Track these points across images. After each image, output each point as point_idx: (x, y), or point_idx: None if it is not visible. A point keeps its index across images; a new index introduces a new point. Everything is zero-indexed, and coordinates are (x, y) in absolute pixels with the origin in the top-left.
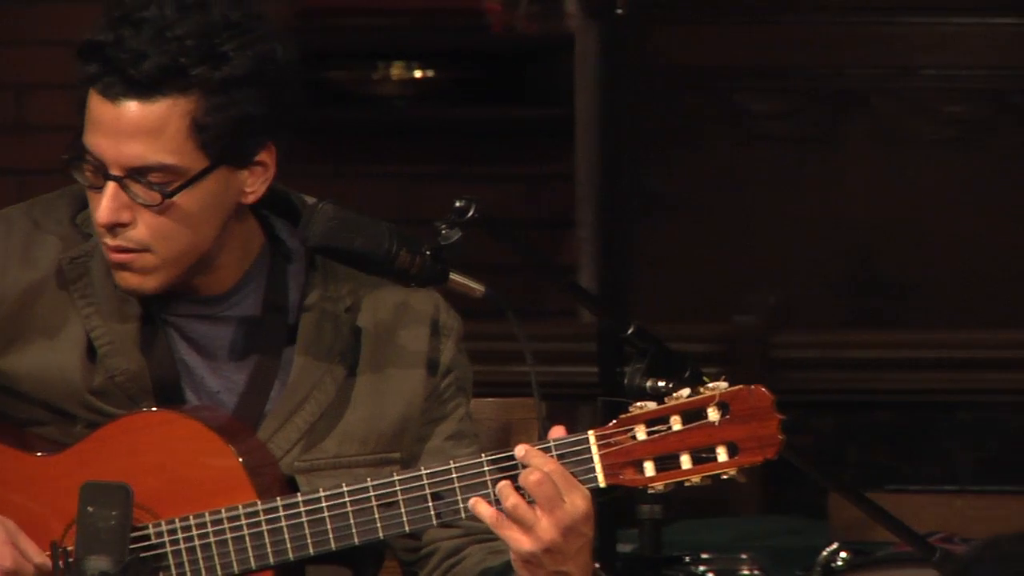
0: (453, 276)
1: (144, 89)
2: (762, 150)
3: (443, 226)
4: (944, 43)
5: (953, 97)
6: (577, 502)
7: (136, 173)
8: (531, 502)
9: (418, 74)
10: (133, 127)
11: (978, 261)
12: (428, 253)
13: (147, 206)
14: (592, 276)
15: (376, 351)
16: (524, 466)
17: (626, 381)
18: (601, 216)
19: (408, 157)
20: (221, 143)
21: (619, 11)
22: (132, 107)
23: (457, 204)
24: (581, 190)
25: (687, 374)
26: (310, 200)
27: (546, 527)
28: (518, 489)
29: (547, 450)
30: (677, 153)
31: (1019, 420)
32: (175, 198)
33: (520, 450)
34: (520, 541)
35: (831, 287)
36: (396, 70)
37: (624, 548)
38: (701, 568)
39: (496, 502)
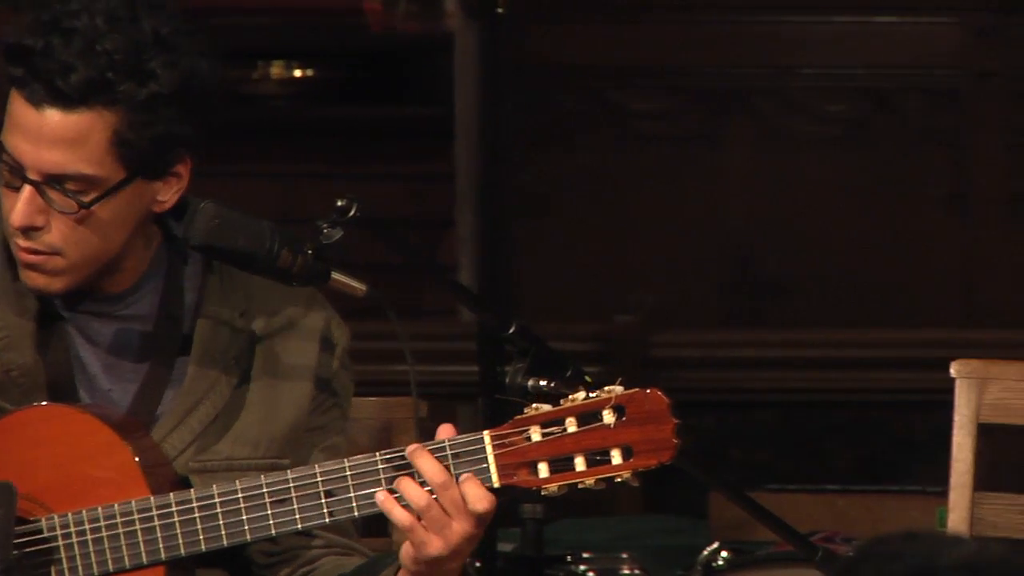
0: (335, 275)
1: (69, 100)
2: (642, 149)
3: (325, 225)
4: (824, 42)
5: (833, 96)
6: (462, 527)
7: (54, 180)
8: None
9: (298, 73)
10: (55, 136)
11: (858, 260)
12: (310, 252)
13: (63, 213)
14: (472, 275)
15: (269, 358)
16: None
17: (507, 380)
18: (481, 215)
19: (288, 156)
20: (141, 157)
21: (499, 10)
22: (56, 116)
23: (339, 203)
24: (461, 189)
25: (568, 373)
26: (196, 199)
27: (457, 531)
28: (424, 485)
29: (441, 449)
30: (557, 152)
31: (898, 419)
32: (91, 208)
33: (411, 448)
34: (433, 545)
35: (711, 286)
36: (276, 69)
37: (505, 547)
38: (582, 568)
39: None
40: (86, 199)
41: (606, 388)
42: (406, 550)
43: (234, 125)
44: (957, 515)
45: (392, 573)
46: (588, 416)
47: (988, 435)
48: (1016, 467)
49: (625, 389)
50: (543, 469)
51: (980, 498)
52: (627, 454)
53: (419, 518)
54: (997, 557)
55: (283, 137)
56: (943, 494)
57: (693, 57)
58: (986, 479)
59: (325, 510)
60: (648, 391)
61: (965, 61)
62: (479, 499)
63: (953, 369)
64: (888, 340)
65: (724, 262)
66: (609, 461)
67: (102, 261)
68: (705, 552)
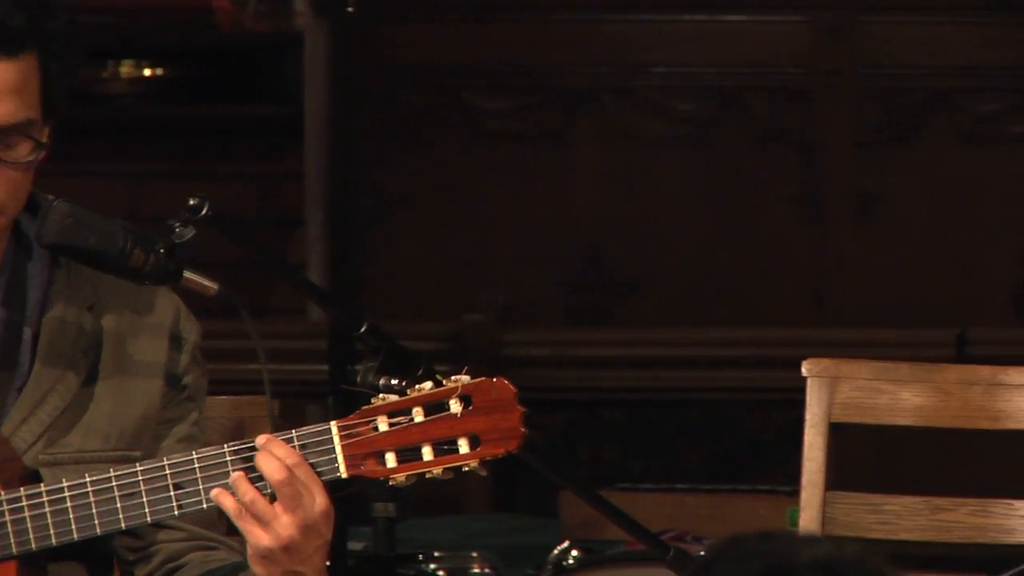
0: (187, 274)
1: (12, 47)
2: (491, 148)
3: (177, 224)
4: (673, 41)
5: (682, 95)
6: (318, 500)
7: (9, 131)
8: (269, 495)
9: (147, 72)
10: (6, 86)
11: (707, 259)
12: (162, 251)
13: (14, 165)
14: (322, 274)
15: (118, 350)
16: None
17: (359, 379)
18: (331, 214)
19: (138, 155)
20: (55, 105)
21: (349, 9)
22: (3, 66)
23: (190, 202)
24: (311, 188)
25: (420, 372)
26: (50, 197)
27: (286, 524)
28: (259, 482)
29: (289, 440)
30: (407, 151)
31: (749, 418)
32: (32, 156)
33: (261, 438)
34: (259, 536)
35: (560, 285)
36: (126, 68)
37: (356, 546)
38: (433, 567)
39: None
40: (30, 148)
41: (452, 377)
42: (248, 552)
43: (84, 124)
44: (809, 514)
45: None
46: (435, 406)
47: (839, 434)
48: (867, 466)
49: (472, 378)
50: (390, 459)
51: (831, 497)
52: (474, 443)
53: (267, 494)
54: (853, 556)
55: (133, 136)
56: (794, 493)
57: (543, 56)
58: (837, 478)
59: (174, 503)
60: (494, 380)
61: (813, 60)
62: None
63: (804, 368)
64: (738, 339)
65: (573, 261)
66: (456, 450)
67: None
68: (555, 551)
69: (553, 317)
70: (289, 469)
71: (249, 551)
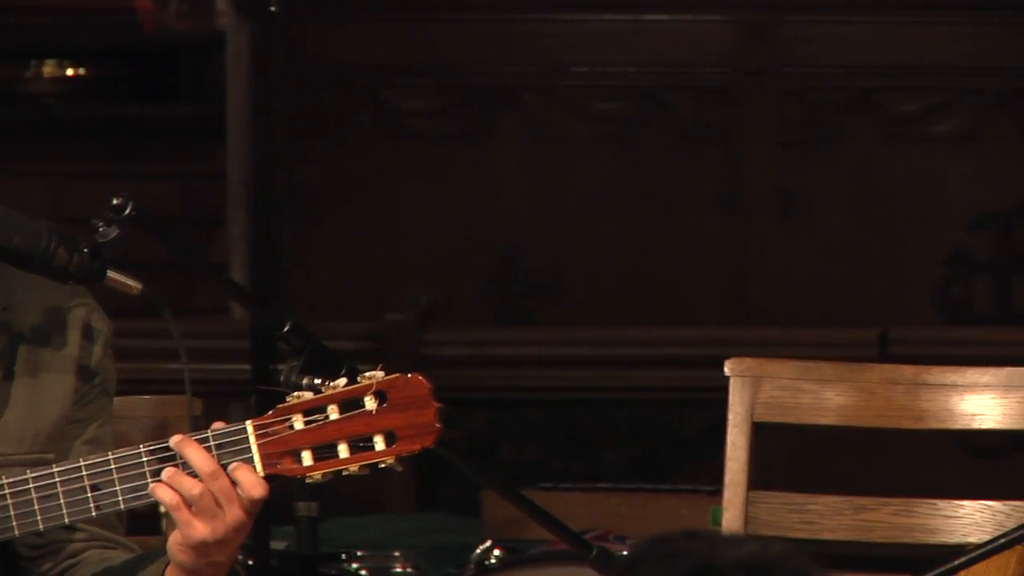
0: (110, 273)
1: None
2: (412, 148)
3: (100, 224)
4: (595, 40)
5: (604, 95)
6: (257, 493)
7: None
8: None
9: (70, 72)
10: None
11: (629, 259)
12: (86, 251)
13: None
14: (244, 274)
15: (31, 352)
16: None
17: (282, 379)
18: (253, 214)
19: (60, 155)
20: None
21: (271, 9)
22: None
23: (114, 202)
24: (233, 188)
25: (343, 372)
26: None
27: (228, 520)
28: (192, 475)
29: (205, 440)
30: (329, 151)
31: (671, 417)
32: None
33: (176, 438)
34: (199, 529)
35: (482, 284)
36: (48, 68)
37: (278, 545)
38: (355, 566)
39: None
40: None
41: (367, 374)
42: (173, 537)
43: (7, 124)
44: (731, 513)
45: (160, 568)
46: (350, 403)
47: (762, 433)
48: (790, 465)
49: (386, 375)
50: (307, 457)
51: (754, 496)
52: (390, 439)
53: (190, 506)
54: (778, 556)
55: (56, 136)
56: (717, 493)
57: (464, 55)
58: (760, 477)
59: (91, 504)
60: (409, 376)
61: (736, 60)
62: (253, 486)
63: (727, 367)
64: (660, 338)
65: (495, 260)
66: (372, 447)
67: None
68: (478, 550)
69: (475, 316)
70: (212, 475)
71: (177, 539)
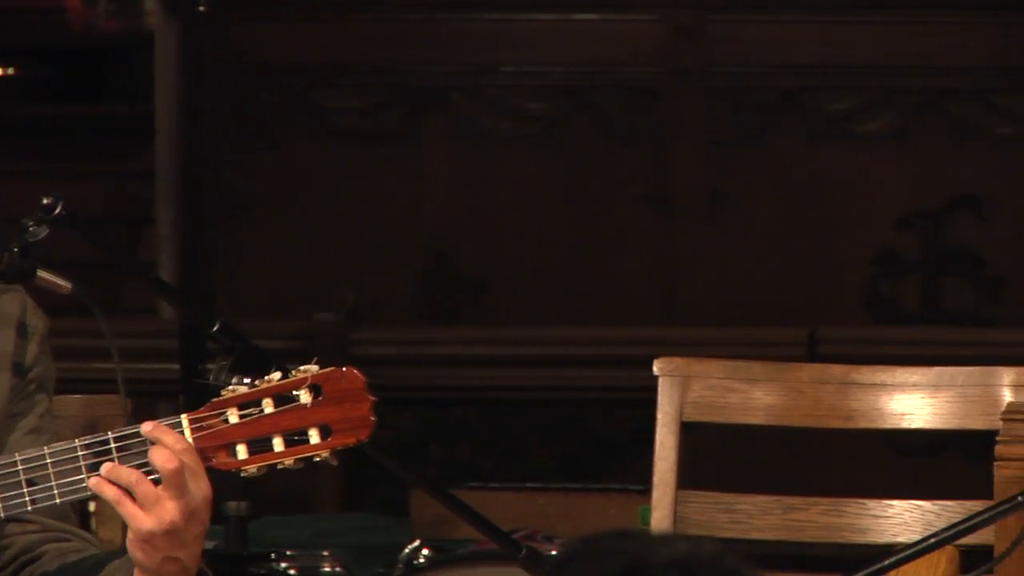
0: (41, 273)
1: None
2: (341, 147)
3: (30, 223)
4: (523, 40)
5: (532, 94)
6: (202, 486)
7: None
8: (155, 480)
9: None
10: None
11: (558, 258)
12: (16, 250)
13: None
14: (173, 273)
15: None
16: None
17: (211, 378)
18: (182, 213)
19: None
20: None
21: (200, 8)
22: None
23: (44, 201)
24: (162, 187)
25: (273, 371)
26: None
27: (170, 508)
28: (142, 467)
29: (137, 434)
30: (257, 150)
31: (600, 417)
32: None
33: (147, 425)
34: (143, 520)
35: (410, 284)
36: None
37: (208, 544)
38: (284, 565)
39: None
40: None
41: (302, 368)
42: (128, 537)
43: None
44: (660, 513)
45: (121, 566)
46: (285, 397)
47: (691, 433)
48: (719, 465)
49: (321, 369)
50: (242, 451)
51: (683, 496)
52: (325, 433)
53: (133, 498)
54: (709, 555)
55: None
56: (646, 492)
57: (393, 55)
58: (689, 477)
59: (27, 498)
60: (344, 370)
61: (664, 59)
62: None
63: (656, 367)
64: (589, 338)
65: (424, 260)
66: (307, 440)
67: None
68: (406, 550)
69: (403, 316)
70: (178, 455)
71: (129, 536)
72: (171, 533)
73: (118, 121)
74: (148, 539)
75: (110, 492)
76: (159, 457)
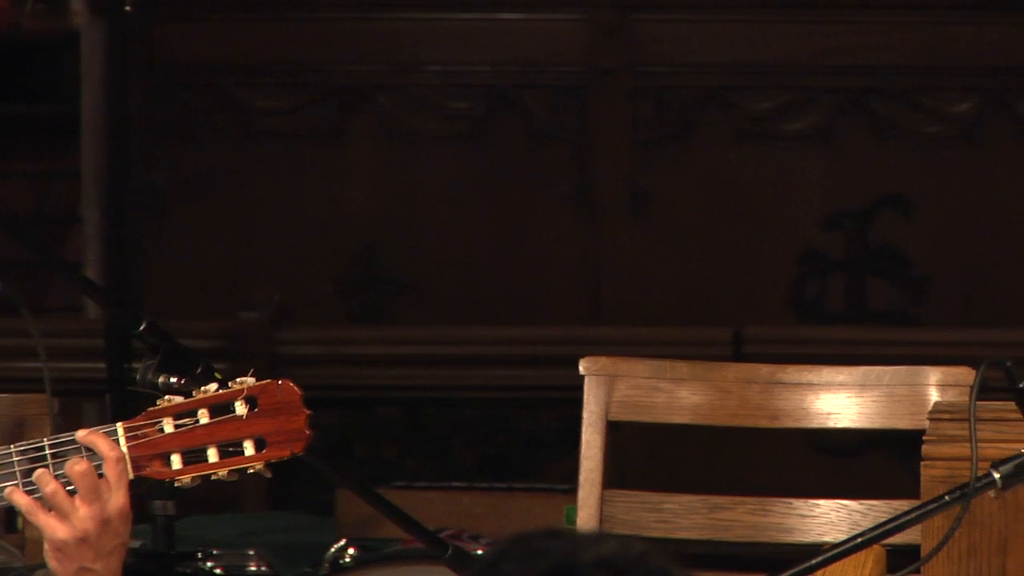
0: None
1: None
2: (266, 146)
3: None
4: (448, 39)
5: (456, 93)
6: (119, 497)
7: None
8: (72, 491)
9: None
10: None
11: (483, 258)
12: None
13: None
14: (100, 272)
15: None
16: (62, 454)
17: (138, 377)
18: (108, 212)
19: None
20: None
21: (126, 8)
22: None
23: None
24: (88, 186)
25: (199, 370)
26: None
27: (83, 516)
28: (58, 477)
29: (72, 442)
30: (183, 150)
31: (525, 416)
32: None
33: (82, 432)
34: (55, 528)
35: (335, 283)
36: None
37: (134, 543)
38: (210, 564)
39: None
40: None
41: (238, 380)
42: (45, 547)
43: None
44: (586, 512)
45: None
46: (220, 408)
47: (617, 432)
48: (645, 464)
49: (257, 381)
50: (176, 460)
51: (609, 495)
52: (260, 445)
53: (48, 508)
54: (638, 555)
55: None
56: (571, 491)
57: (317, 54)
58: (615, 476)
59: None
60: (280, 382)
61: (588, 58)
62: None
63: (582, 366)
64: (514, 337)
65: (349, 259)
66: (242, 452)
67: None
68: (332, 549)
69: (328, 315)
70: (90, 464)
71: (46, 546)
72: (84, 542)
73: (44, 120)
74: (62, 548)
75: (22, 502)
76: (73, 467)
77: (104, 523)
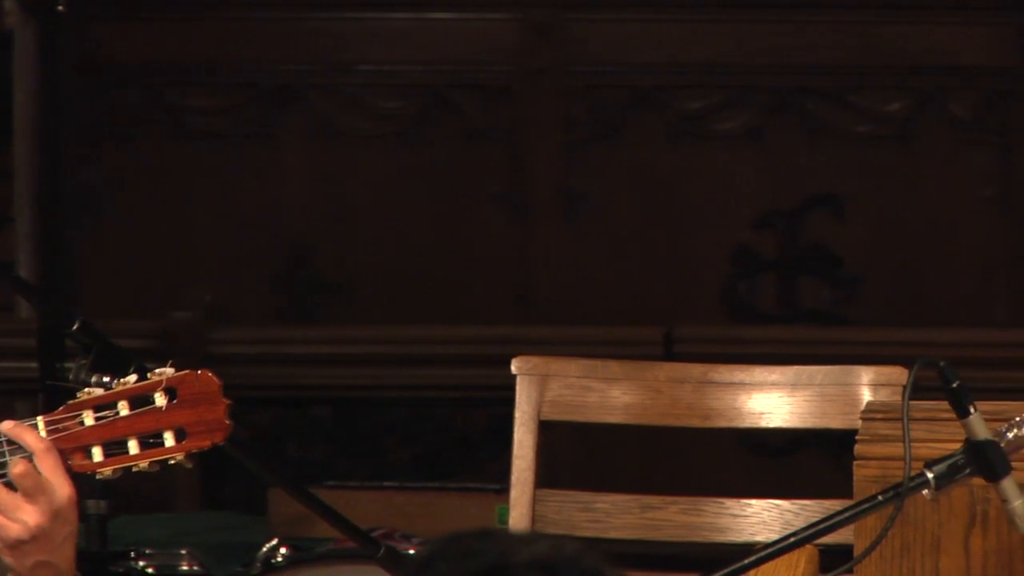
0: None
1: None
2: (198, 146)
3: None
4: (380, 39)
5: (389, 93)
6: (64, 485)
7: None
8: (6, 483)
9: None
10: None
11: (415, 257)
12: None
13: None
14: (33, 272)
15: None
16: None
17: (71, 377)
18: (40, 212)
19: None
20: None
21: (59, 8)
22: None
23: None
24: (20, 186)
25: (131, 369)
26: None
27: (31, 511)
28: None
29: (10, 441)
30: (115, 150)
31: (457, 416)
32: None
33: (7, 424)
34: (7, 527)
35: (268, 283)
36: None
37: None
38: (142, 564)
39: None
40: None
41: (157, 371)
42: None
43: None
44: (518, 512)
45: None
46: (140, 399)
47: (548, 432)
48: (576, 464)
49: (176, 371)
50: (97, 453)
51: (541, 495)
52: (180, 436)
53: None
54: (571, 555)
55: None
56: (503, 491)
57: (249, 54)
58: (547, 476)
59: None
60: (199, 373)
61: (520, 58)
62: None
63: (514, 366)
64: (446, 336)
65: (281, 258)
66: (162, 443)
67: None
68: (264, 548)
69: (261, 315)
70: (30, 464)
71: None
72: (39, 537)
73: None
74: (16, 546)
75: None
76: (13, 470)
77: (55, 515)
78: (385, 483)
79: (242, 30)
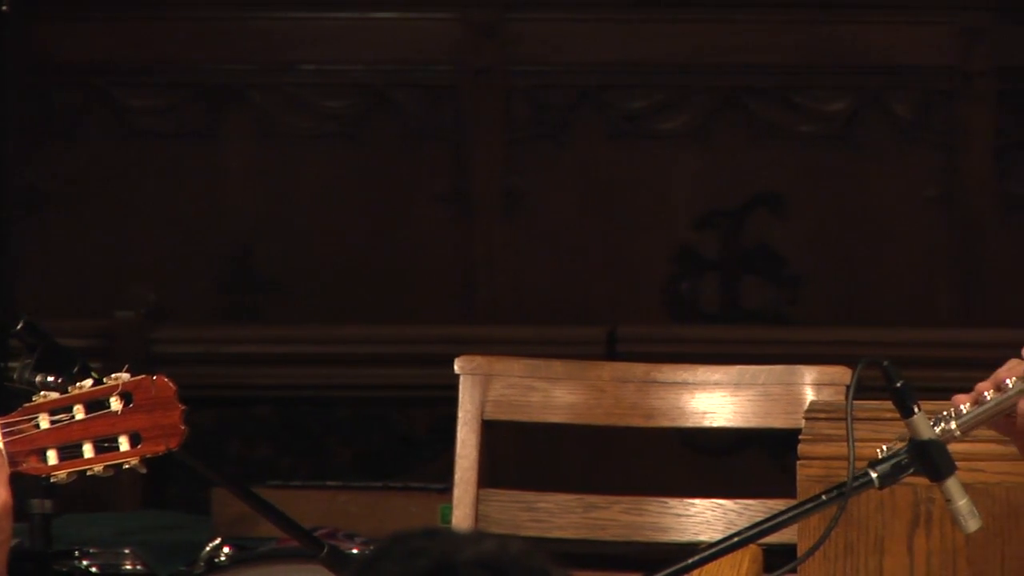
0: None
1: None
2: (141, 145)
3: None
4: (322, 38)
5: (331, 92)
6: (1, 492)
7: None
8: None
9: None
10: None
11: (358, 257)
12: None
13: None
14: None
15: None
16: None
17: (16, 376)
18: None
19: None
20: None
21: (3, 8)
22: None
23: None
24: None
25: (76, 369)
26: None
27: None
28: None
29: None
30: (57, 149)
31: (398, 415)
32: None
33: None
34: None
35: (210, 282)
36: None
37: (12, 542)
38: (86, 563)
39: None
40: None
41: (113, 375)
42: None
43: None
44: (461, 512)
45: None
46: (96, 403)
47: (491, 431)
48: (520, 463)
49: (132, 376)
50: (52, 456)
51: (484, 495)
52: (135, 440)
53: None
54: (516, 554)
55: None
56: (446, 490)
57: (192, 53)
58: (490, 475)
59: None
60: (155, 378)
61: (463, 57)
62: None
63: (457, 365)
64: (388, 336)
65: (224, 258)
66: (117, 447)
67: None
68: (207, 548)
69: (204, 314)
70: None
71: None
72: None
73: None
74: None
75: None
76: None
77: None
78: (328, 482)
79: (185, 29)
